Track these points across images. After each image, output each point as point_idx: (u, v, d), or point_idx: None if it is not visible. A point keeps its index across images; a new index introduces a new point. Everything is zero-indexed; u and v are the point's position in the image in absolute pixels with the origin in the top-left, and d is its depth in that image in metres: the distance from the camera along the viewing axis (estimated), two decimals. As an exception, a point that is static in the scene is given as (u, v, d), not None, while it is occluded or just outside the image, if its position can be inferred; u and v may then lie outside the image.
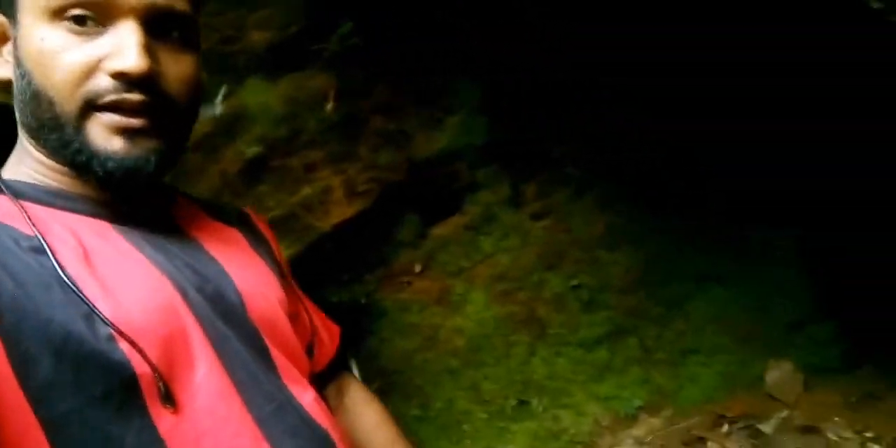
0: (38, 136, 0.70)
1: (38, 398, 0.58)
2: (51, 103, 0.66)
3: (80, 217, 0.71)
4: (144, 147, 0.67)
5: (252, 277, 0.79)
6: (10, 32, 0.71)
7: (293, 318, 0.84)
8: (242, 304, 0.74)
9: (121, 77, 0.65)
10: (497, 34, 1.92)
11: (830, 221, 1.71)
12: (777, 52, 1.74)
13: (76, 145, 0.67)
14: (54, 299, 0.61)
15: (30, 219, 0.66)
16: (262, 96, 1.80)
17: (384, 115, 1.93)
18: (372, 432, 0.91)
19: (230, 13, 1.82)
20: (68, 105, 0.66)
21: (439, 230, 2.07)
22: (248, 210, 0.98)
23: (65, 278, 0.62)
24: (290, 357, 0.77)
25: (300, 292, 0.95)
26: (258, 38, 1.82)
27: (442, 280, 2.06)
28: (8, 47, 0.72)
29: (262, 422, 0.68)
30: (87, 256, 0.66)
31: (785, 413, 1.78)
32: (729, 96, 1.91)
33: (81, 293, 0.62)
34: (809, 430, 1.73)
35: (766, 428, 1.77)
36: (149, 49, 0.66)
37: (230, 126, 1.77)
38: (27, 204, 0.69)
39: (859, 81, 1.64)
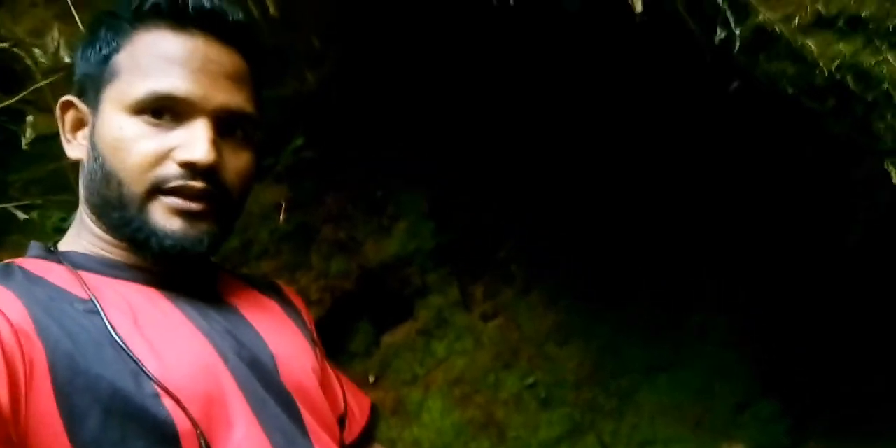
0: (100, 212, 0.78)
1: None
2: (120, 184, 0.74)
3: (131, 284, 0.77)
4: (200, 229, 0.75)
5: (286, 344, 0.84)
6: (89, 119, 0.79)
7: (325, 386, 0.88)
8: (276, 369, 0.79)
9: (188, 166, 0.73)
10: (442, 145, 2.05)
11: (760, 302, 1.88)
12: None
13: (137, 223, 0.74)
14: (105, 357, 0.66)
15: (85, 284, 0.72)
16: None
17: (335, 224, 1.96)
18: None
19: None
20: (136, 187, 0.74)
21: (391, 337, 2.04)
22: (280, 283, 1.03)
23: (115, 337, 0.67)
24: (321, 424, 0.80)
25: (331, 364, 0.97)
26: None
27: (397, 389, 2.01)
28: (84, 132, 0.80)
29: None
30: (136, 319, 0.72)
31: (747, 491, 1.84)
32: (650, 201, 2.11)
33: (130, 352, 0.67)
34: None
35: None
36: (215, 144, 0.74)
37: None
38: (83, 273, 0.75)
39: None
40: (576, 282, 2.08)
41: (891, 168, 1.04)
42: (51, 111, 0.88)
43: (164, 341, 0.71)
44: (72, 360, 0.64)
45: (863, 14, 0.96)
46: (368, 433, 0.98)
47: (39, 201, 1.67)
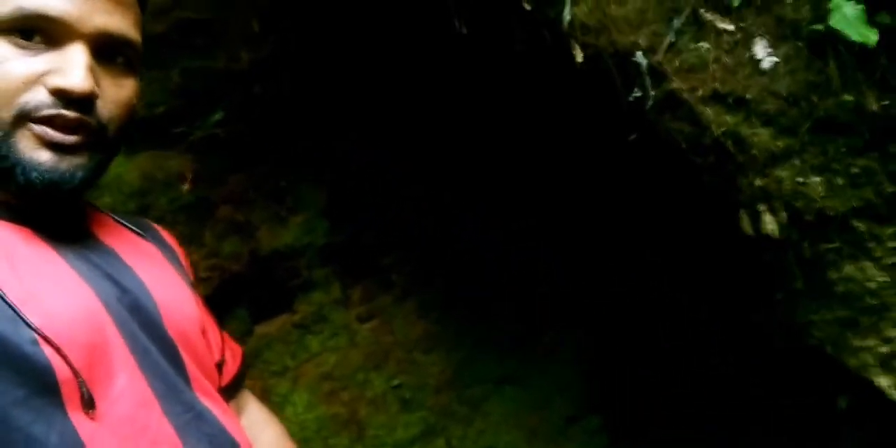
0: None
1: None
2: None
3: (4, 223, 0.71)
4: (71, 163, 0.69)
5: (168, 290, 0.81)
6: None
7: (203, 332, 0.86)
8: (160, 316, 0.77)
9: (60, 94, 0.67)
10: (346, 141, 2.14)
11: (604, 324, 2.17)
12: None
13: (2, 151, 0.68)
14: None
15: None
16: (117, 168, 1.72)
17: (234, 205, 1.96)
18: None
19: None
20: (3, 111, 0.67)
21: (266, 328, 2.06)
22: (154, 224, 0.99)
23: None
24: (202, 371, 0.80)
25: (208, 309, 0.96)
26: (122, 112, 1.78)
27: (264, 380, 2.01)
28: None
29: (180, 430, 0.71)
30: (10, 261, 0.67)
31: (569, 497, 2.08)
32: (522, 230, 2.36)
33: (6, 297, 0.63)
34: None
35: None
36: (92, 71, 0.69)
37: (77, 194, 1.64)
38: None
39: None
40: (447, 296, 2.25)
41: (743, 216, 1.35)
42: None
43: (43, 286, 0.67)
44: None
45: (746, 96, 1.27)
46: (239, 380, 0.98)
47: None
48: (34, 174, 0.67)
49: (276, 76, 1.91)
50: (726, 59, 1.34)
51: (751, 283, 1.58)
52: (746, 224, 1.34)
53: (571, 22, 1.45)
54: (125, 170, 1.73)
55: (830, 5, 1.15)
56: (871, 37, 1.09)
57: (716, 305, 1.92)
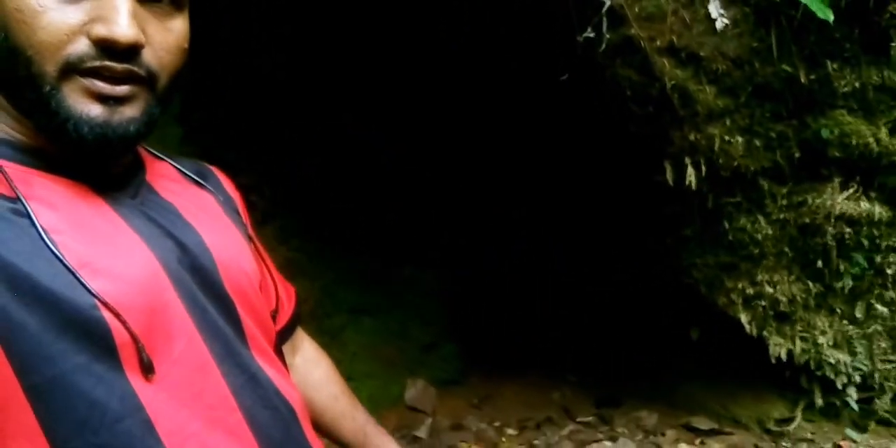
0: (13, 93, 0.68)
1: (22, 366, 0.60)
2: (29, 62, 0.64)
3: (60, 178, 0.68)
4: (123, 115, 0.65)
5: (227, 246, 0.79)
6: None
7: (262, 286, 0.84)
8: (219, 275, 0.75)
9: (105, 44, 0.63)
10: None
11: (461, 261, 2.20)
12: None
13: (52, 107, 0.64)
14: (39, 265, 0.61)
15: (11, 182, 0.64)
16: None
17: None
18: (319, 389, 0.96)
19: None
20: (48, 65, 0.63)
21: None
22: (215, 168, 0.90)
23: (49, 245, 0.62)
24: (259, 327, 0.79)
25: (264, 254, 0.89)
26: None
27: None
28: None
29: (236, 393, 0.72)
30: (69, 221, 0.66)
31: (430, 420, 2.12)
32: (391, 164, 2.26)
33: (65, 260, 0.62)
34: (457, 427, 2.13)
35: (421, 433, 2.07)
36: (136, 17, 0.64)
37: None
38: (6, 163, 0.66)
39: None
40: (309, 224, 2.10)
41: (668, 167, 1.44)
42: None
43: (102, 248, 0.66)
44: (3, 271, 0.60)
45: (700, 53, 1.33)
46: (294, 321, 0.95)
47: None
48: (86, 129, 0.64)
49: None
50: (684, 13, 1.37)
51: (642, 228, 1.71)
52: (669, 175, 1.43)
53: (539, -53, 1.37)
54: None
55: (797, -20, 1.24)
56: (830, 14, 1.20)
57: (590, 245, 2.07)
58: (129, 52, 0.64)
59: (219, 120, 2.00)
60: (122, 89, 0.65)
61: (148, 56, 0.66)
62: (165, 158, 0.84)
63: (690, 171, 1.42)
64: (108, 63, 0.63)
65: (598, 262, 2.05)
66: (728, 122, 1.39)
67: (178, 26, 0.69)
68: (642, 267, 1.81)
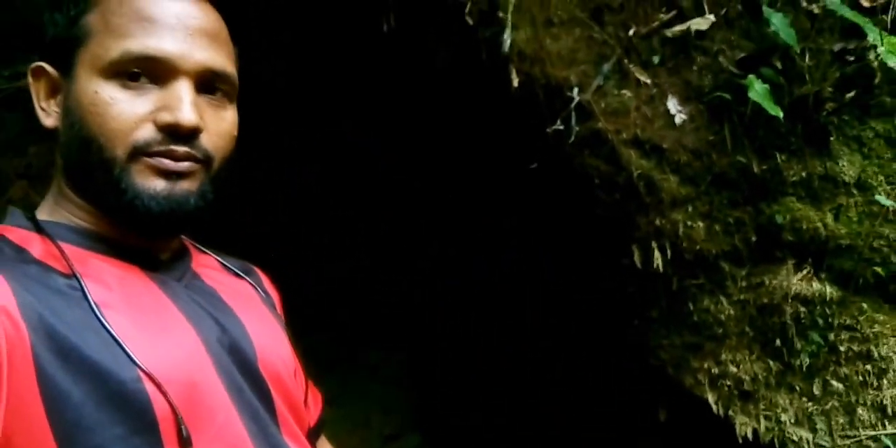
0: (82, 179, 0.75)
1: (65, 436, 0.62)
2: (100, 149, 0.71)
3: (113, 260, 0.75)
4: (184, 189, 0.74)
5: (265, 332, 0.83)
6: (62, 85, 0.76)
7: (295, 374, 0.88)
8: (256, 357, 0.79)
9: (169, 129, 0.71)
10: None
11: (433, 345, 2.15)
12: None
13: (122, 186, 0.72)
14: (87, 338, 0.65)
15: (68, 259, 0.70)
16: None
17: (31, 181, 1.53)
18: None
19: None
20: (118, 150, 0.71)
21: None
22: (255, 267, 0.98)
23: (99, 317, 0.67)
24: (291, 412, 0.83)
25: (296, 355, 0.93)
26: None
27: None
28: (57, 99, 0.76)
29: None
30: (118, 298, 0.70)
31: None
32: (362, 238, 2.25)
33: (113, 333, 0.66)
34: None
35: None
36: (196, 106, 0.73)
37: None
38: (64, 245, 0.72)
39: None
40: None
41: (635, 249, 1.50)
42: None
43: (148, 323, 0.71)
44: (54, 341, 0.64)
45: (663, 145, 1.43)
46: (320, 424, 0.98)
47: None
48: (153, 202, 0.71)
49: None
50: (646, 109, 1.48)
51: (606, 309, 1.75)
52: (637, 258, 1.49)
53: (511, 46, 1.47)
54: None
55: (745, 81, 1.37)
56: (779, 111, 1.32)
57: (559, 325, 2.08)
58: (191, 135, 0.72)
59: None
60: (183, 165, 0.73)
61: (204, 140, 0.74)
62: (210, 252, 0.92)
63: (657, 254, 1.49)
64: (171, 146, 0.71)
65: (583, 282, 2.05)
66: (690, 209, 1.48)
67: (230, 116, 0.78)
68: (608, 354, 1.84)
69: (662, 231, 1.48)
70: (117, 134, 0.71)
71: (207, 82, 0.75)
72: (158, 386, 0.65)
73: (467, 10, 1.44)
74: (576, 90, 1.44)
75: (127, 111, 0.71)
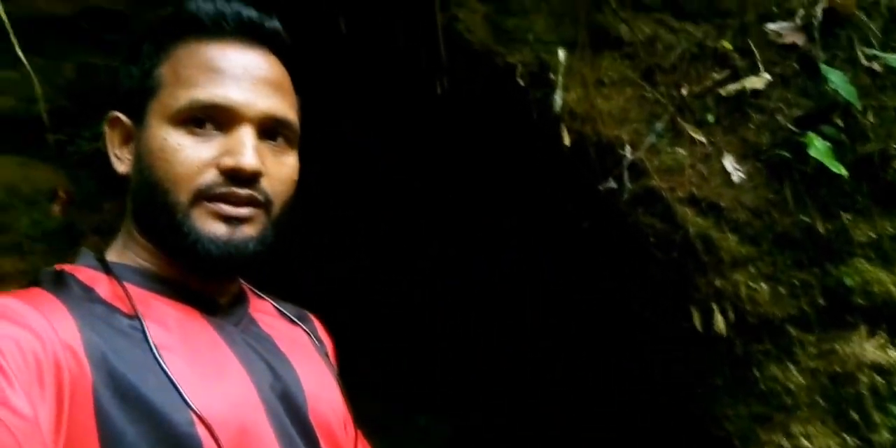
0: (148, 223, 0.78)
1: None
2: (165, 193, 0.75)
3: (175, 303, 0.77)
4: (243, 234, 0.76)
5: (317, 381, 0.84)
6: (135, 134, 0.79)
7: (345, 425, 0.88)
8: (306, 405, 0.80)
9: (232, 173, 0.74)
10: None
11: (480, 411, 2.09)
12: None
13: (184, 230, 0.74)
14: (146, 379, 0.67)
15: (132, 301, 0.72)
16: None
17: (103, 237, 1.58)
18: None
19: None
20: (181, 195, 0.74)
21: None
22: (311, 314, 1.00)
23: (158, 359, 0.69)
24: None
25: (348, 405, 0.93)
26: (-9, 100, 1.35)
27: None
28: (130, 147, 0.80)
29: None
30: (178, 341, 0.73)
31: None
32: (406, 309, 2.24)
33: (170, 375, 0.68)
34: None
35: None
36: (258, 151, 0.76)
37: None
38: (130, 286, 0.75)
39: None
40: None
41: (695, 312, 1.44)
42: None
43: (204, 367, 0.73)
44: (114, 380, 0.66)
45: (721, 204, 1.39)
46: None
47: None
48: (213, 246, 0.74)
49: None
50: (701, 167, 1.46)
51: (665, 376, 1.67)
52: (698, 320, 1.43)
53: (562, 106, 1.49)
54: (-20, 173, 1.31)
55: (805, 139, 1.34)
56: (843, 169, 1.28)
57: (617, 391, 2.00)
58: (252, 179, 0.75)
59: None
60: (243, 211, 0.75)
61: (265, 184, 0.77)
62: (267, 298, 0.93)
63: (718, 317, 1.43)
64: (233, 189, 0.74)
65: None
66: (752, 270, 1.42)
67: (291, 161, 0.81)
68: (665, 425, 1.74)
69: (723, 293, 1.42)
70: (182, 178, 0.74)
71: (269, 129, 0.78)
72: (210, 430, 0.66)
73: (518, 72, 1.47)
74: (628, 148, 1.43)
75: (192, 156, 0.74)
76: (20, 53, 1.23)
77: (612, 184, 1.47)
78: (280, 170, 0.79)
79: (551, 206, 1.64)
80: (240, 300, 0.86)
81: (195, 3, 0.78)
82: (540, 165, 1.53)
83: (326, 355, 0.93)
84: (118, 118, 0.80)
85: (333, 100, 1.65)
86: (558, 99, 1.46)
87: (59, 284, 0.73)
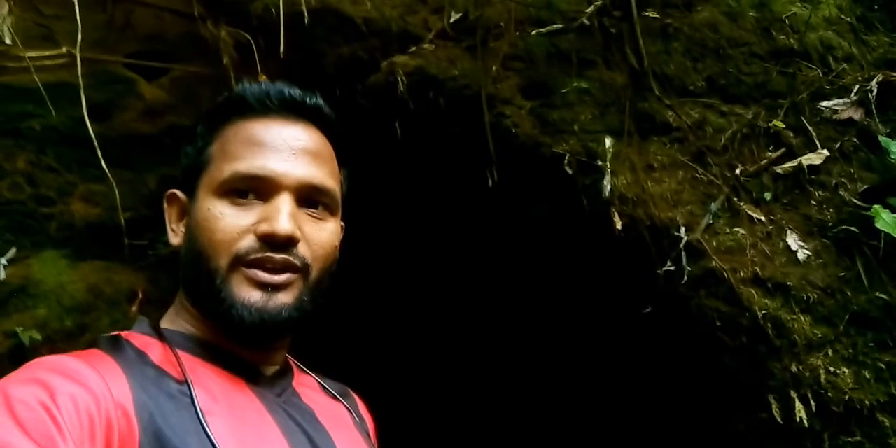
0: (192, 290, 0.82)
1: None
2: (207, 259, 0.78)
3: (222, 370, 0.79)
4: (278, 301, 0.77)
5: None
6: (188, 208, 0.83)
7: None
8: None
9: (268, 238, 0.77)
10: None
11: None
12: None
13: (222, 295, 0.77)
14: (190, 444, 0.69)
15: (182, 366, 0.75)
16: (60, 277, 1.40)
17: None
18: None
19: (62, 173, 1.49)
20: (220, 260, 0.77)
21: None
22: (353, 392, 1.02)
23: (204, 426, 0.70)
24: None
25: None
26: (80, 209, 1.50)
27: None
28: (185, 221, 0.84)
29: None
30: (224, 408, 0.74)
31: None
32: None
33: (214, 440, 0.69)
34: None
35: None
36: (294, 217, 0.78)
37: (6, 299, 1.30)
38: (180, 352, 0.78)
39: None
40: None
41: (773, 400, 1.35)
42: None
43: (246, 434, 0.74)
44: (159, 440, 0.68)
45: (787, 282, 1.34)
46: None
47: None
48: (246, 313, 0.76)
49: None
50: (763, 246, 1.42)
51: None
52: (776, 411, 1.33)
53: (612, 191, 1.50)
54: (68, 278, 1.42)
55: (871, 213, 1.29)
56: (914, 242, 1.21)
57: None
58: (287, 243, 0.77)
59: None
60: (279, 278, 0.77)
61: (303, 249, 0.79)
62: (311, 374, 0.95)
63: (799, 406, 1.32)
64: (269, 254, 0.76)
65: None
66: (830, 353, 1.32)
67: (331, 227, 0.83)
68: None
69: (801, 379, 1.33)
70: (222, 245, 0.77)
71: (308, 196, 0.80)
72: None
73: (566, 161, 1.50)
74: (683, 230, 1.41)
75: (232, 224, 0.77)
76: (106, 169, 1.37)
77: (671, 266, 1.44)
78: (319, 235, 0.81)
79: (607, 294, 1.61)
80: (284, 373, 0.87)
81: (243, 86, 0.84)
82: (593, 252, 1.52)
83: (367, 433, 0.94)
84: (175, 194, 0.85)
85: (389, 196, 1.74)
86: (607, 184, 1.48)
87: (116, 348, 0.76)
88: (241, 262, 0.77)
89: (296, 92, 0.83)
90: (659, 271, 1.49)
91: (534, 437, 2.23)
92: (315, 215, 0.81)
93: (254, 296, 0.76)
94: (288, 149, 0.80)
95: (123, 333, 0.80)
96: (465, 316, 2.05)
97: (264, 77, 1.68)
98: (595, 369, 1.95)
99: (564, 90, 1.55)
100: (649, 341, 1.57)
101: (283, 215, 0.76)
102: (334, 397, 0.93)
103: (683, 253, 1.44)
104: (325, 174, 0.82)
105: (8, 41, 1.26)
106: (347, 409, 0.93)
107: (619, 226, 1.44)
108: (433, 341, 2.14)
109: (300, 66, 1.72)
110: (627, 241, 1.46)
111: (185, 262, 0.81)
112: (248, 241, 0.77)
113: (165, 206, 0.85)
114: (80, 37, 1.39)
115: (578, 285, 1.70)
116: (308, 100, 0.84)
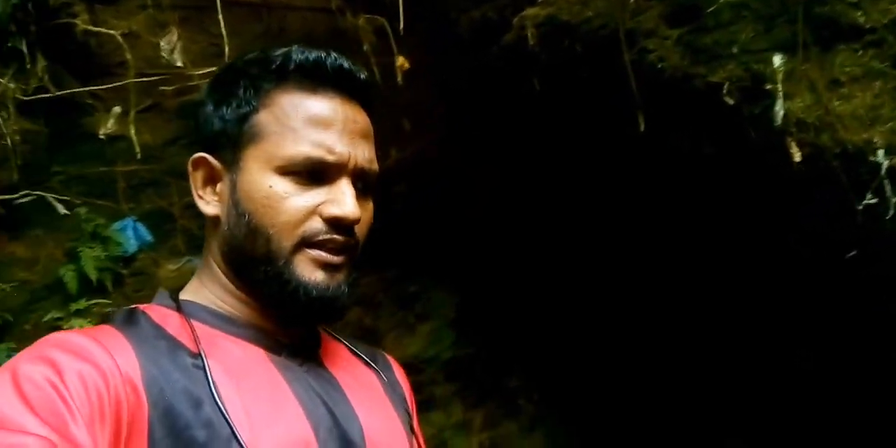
0: (242, 268, 0.80)
1: None
2: (269, 240, 0.77)
3: (240, 341, 0.79)
4: (338, 280, 0.79)
5: (379, 426, 0.83)
6: (224, 176, 0.81)
7: None
8: None
9: (335, 221, 0.77)
10: (475, 251, 1.98)
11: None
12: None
13: (286, 277, 0.77)
14: (202, 417, 0.69)
15: (197, 338, 0.75)
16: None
17: (362, 308, 1.80)
18: None
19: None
20: (286, 241, 0.77)
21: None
22: (389, 356, 1.00)
23: (216, 398, 0.70)
24: None
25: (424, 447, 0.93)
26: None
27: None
28: (217, 188, 0.82)
29: None
30: (239, 380, 0.74)
31: None
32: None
33: (227, 415, 0.69)
34: None
35: None
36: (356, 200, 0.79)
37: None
38: (198, 324, 0.78)
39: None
40: (586, 427, 1.94)
41: None
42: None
43: (262, 407, 0.74)
44: (170, 417, 0.68)
45: None
46: None
47: (79, 201, 1.45)
48: (314, 293, 0.77)
49: (420, 176, 1.81)
50: None
51: None
52: None
53: (785, 118, 1.28)
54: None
55: None
56: None
57: None
58: (350, 226, 0.79)
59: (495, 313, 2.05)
60: (339, 258, 0.79)
61: (357, 230, 0.80)
62: (341, 339, 0.94)
63: None
64: (335, 236, 0.78)
65: None
66: None
67: (371, 207, 0.85)
68: None
69: None
70: (287, 226, 0.77)
71: (360, 178, 0.81)
72: None
73: (725, 90, 1.30)
74: (881, 153, 1.14)
75: (298, 205, 0.77)
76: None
77: (871, 199, 1.18)
78: (366, 216, 0.82)
79: (795, 243, 1.36)
80: (308, 341, 0.86)
81: (294, 51, 0.80)
82: (768, 196, 1.30)
83: (401, 397, 0.92)
84: (204, 159, 0.82)
85: (529, 155, 1.67)
86: (780, 110, 1.25)
87: (129, 322, 0.77)
88: (305, 243, 0.77)
89: (350, 65, 0.82)
90: (858, 207, 1.23)
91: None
92: (360, 195, 0.82)
93: (318, 276, 0.77)
94: (349, 132, 0.80)
95: (142, 306, 0.82)
96: (620, 275, 1.90)
97: (403, 59, 1.72)
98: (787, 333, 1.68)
99: (716, 8, 1.34)
100: (857, 295, 1.31)
101: (351, 199, 0.78)
102: (366, 363, 0.91)
103: (886, 181, 1.17)
104: (374, 158, 0.84)
105: (179, 63, 1.45)
106: (377, 374, 0.91)
107: (798, 157, 1.22)
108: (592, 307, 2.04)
109: (436, 41, 1.73)
110: (810, 176, 1.23)
111: (233, 239, 0.80)
112: (315, 223, 0.77)
113: (190, 170, 0.83)
114: (226, 50, 1.51)
115: (754, 236, 1.47)
116: (361, 75, 0.83)
